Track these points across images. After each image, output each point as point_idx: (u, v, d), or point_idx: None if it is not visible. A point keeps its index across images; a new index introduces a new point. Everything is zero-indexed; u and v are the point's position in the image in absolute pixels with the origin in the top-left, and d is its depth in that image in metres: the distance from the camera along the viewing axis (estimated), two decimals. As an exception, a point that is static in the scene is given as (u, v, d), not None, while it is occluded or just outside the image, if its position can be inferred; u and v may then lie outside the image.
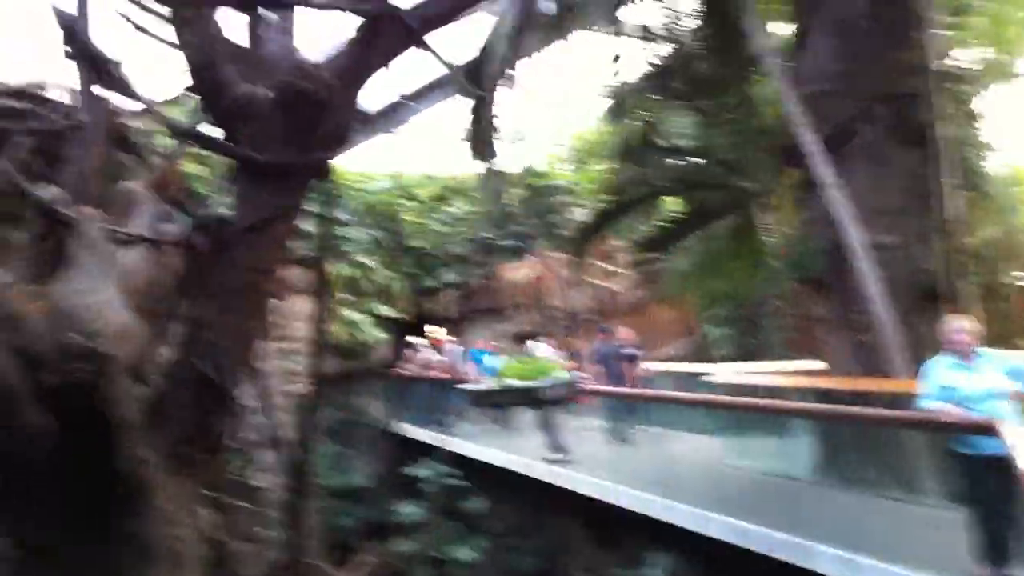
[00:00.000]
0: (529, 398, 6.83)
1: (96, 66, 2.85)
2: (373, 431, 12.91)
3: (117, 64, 2.84)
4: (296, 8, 2.51)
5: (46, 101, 3.11)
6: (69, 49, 2.81)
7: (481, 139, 8.13)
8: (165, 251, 2.40)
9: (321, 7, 2.46)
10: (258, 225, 2.39)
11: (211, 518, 2.41)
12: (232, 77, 2.42)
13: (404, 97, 14.98)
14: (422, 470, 9.81)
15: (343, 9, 2.45)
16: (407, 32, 2.48)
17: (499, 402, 6.72)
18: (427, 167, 19.96)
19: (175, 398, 2.34)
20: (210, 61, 2.37)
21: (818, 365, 7.61)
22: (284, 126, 2.38)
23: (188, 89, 2.57)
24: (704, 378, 8.40)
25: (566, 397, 7.12)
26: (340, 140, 2.49)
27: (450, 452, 10.26)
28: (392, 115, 15.03)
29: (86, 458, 2.08)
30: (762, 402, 6.57)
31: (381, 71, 2.55)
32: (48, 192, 2.24)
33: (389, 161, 17.42)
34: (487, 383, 5.88)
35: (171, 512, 2.26)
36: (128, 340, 2.21)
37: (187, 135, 2.45)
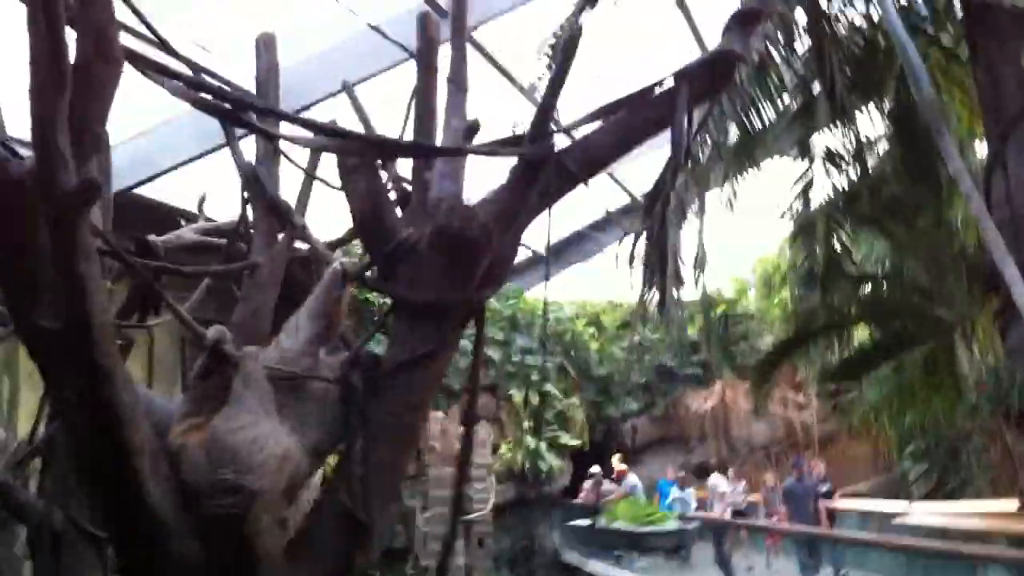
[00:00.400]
0: (637, 543, 6.29)
1: (275, 211, 3.00)
2: (549, 560, 12.78)
3: (292, 209, 2.99)
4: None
5: (236, 239, 3.28)
6: (247, 194, 2.97)
7: (662, 268, 8.10)
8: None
9: (480, 153, 2.52)
10: (411, 363, 2.41)
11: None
12: (395, 222, 2.49)
13: (588, 228, 15.30)
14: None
15: (502, 155, 2.51)
16: (567, 175, 2.50)
17: (609, 544, 6.17)
18: (612, 294, 20.08)
19: (319, 531, 2.35)
20: (374, 209, 2.44)
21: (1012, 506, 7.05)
22: (441, 267, 2.42)
23: (353, 232, 2.67)
24: (898, 519, 7.89)
25: (677, 546, 6.67)
26: (497, 279, 2.51)
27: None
28: (576, 246, 15.33)
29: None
30: (963, 548, 6.10)
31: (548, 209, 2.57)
32: (215, 331, 2.34)
33: (576, 289, 17.64)
34: (601, 522, 5.43)
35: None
36: (286, 469, 2.25)
37: (354, 277, 2.53)
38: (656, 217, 7.59)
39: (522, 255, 2.81)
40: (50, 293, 1.89)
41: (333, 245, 3.16)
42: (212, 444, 2.23)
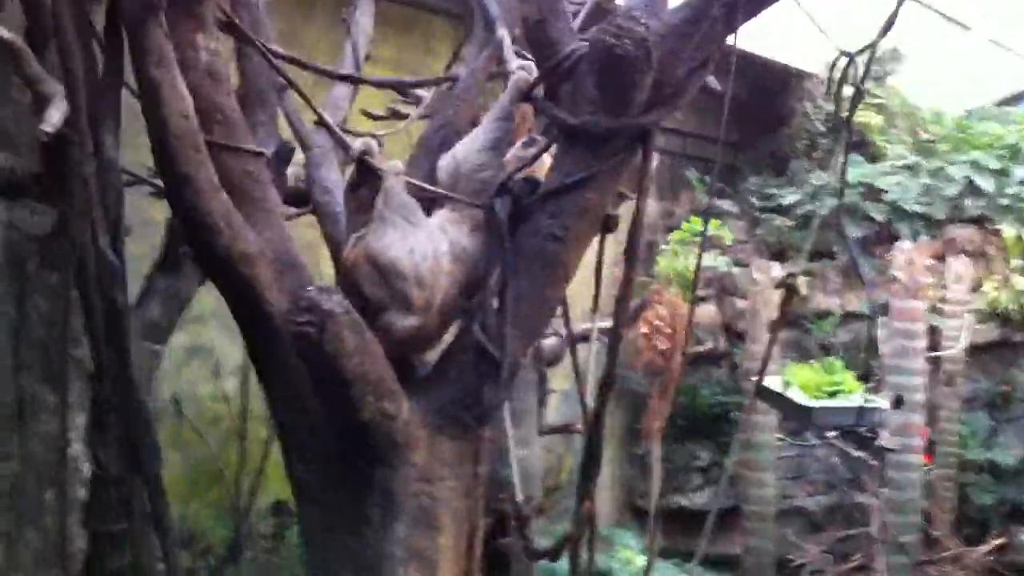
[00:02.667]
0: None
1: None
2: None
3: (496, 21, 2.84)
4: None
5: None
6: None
7: None
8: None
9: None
10: (559, 190, 2.23)
11: (480, 486, 2.35)
12: (561, 34, 2.27)
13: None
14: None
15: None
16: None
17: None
18: None
19: (454, 361, 2.30)
20: (540, 14, 2.24)
21: None
22: (598, 87, 2.18)
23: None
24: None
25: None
26: (669, 103, 2.22)
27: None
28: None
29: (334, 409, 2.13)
30: None
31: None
32: (361, 143, 2.31)
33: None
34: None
35: (429, 470, 2.23)
36: (456, 272, 2.23)
37: (524, 95, 2.37)
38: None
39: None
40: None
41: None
42: (369, 259, 2.25)
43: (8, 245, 3.77)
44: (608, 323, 5.26)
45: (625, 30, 2.10)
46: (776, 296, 8.23)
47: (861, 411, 3.97)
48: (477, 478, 2.32)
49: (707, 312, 9.52)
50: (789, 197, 9.53)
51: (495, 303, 2.24)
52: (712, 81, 4.57)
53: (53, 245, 3.62)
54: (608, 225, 2.48)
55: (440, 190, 2.37)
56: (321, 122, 2.64)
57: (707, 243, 8.11)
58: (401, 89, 3.22)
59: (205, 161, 1.99)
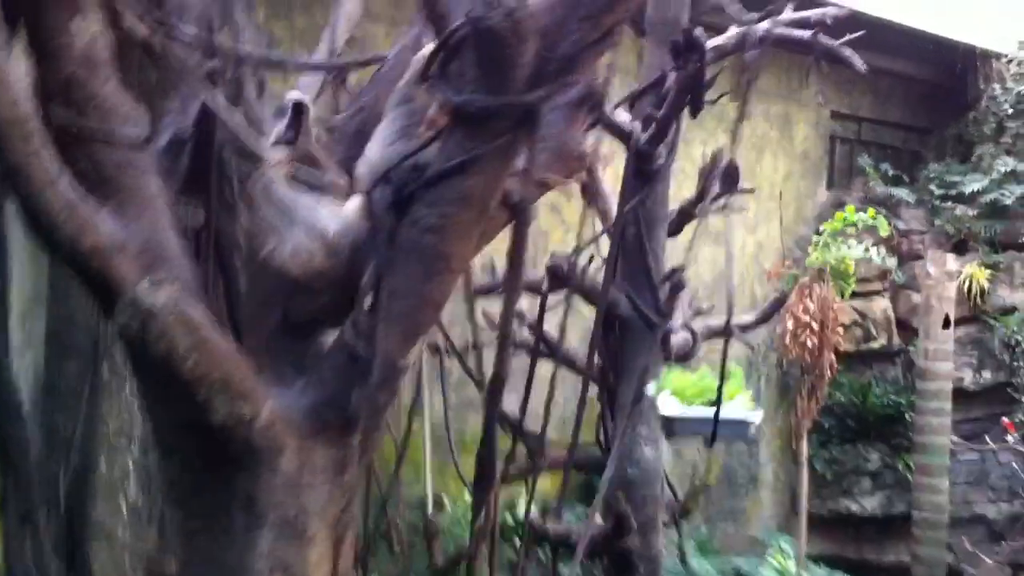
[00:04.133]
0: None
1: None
2: None
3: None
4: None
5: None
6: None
7: None
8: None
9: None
10: (438, 177, 2.05)
11: (348, 493, 2.19)
12: (451, 8, 2.08)
13: None
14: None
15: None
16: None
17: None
18: None
19: (328, 361, 2.16)
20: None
21: None
22: (477, 65, 1.99)
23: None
24: None
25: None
26: (551, 81, 2.01)
27: None
28: None
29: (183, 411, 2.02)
30: None
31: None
32: (294, 94, 2.20)
33: None
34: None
35: (297, 478, 2.10)
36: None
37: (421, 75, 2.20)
38: None
39: None
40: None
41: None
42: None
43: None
44: (747, 318, 4.97)
45: (494, 2, 1.90)
46: (952, 290, 7.88)
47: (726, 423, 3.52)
48: (345, 487, 2.16)
49: (879, 306, 9.10)
50: (973, 184, 9.02)
51: (368, 301, 2.09)
52: (856, 59, 4.35)
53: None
54: (516, 212, 2.29)
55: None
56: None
57: (866, 234, 7.78)
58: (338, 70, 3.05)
59: (38, 151, 1.89)
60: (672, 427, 3.51)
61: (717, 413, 3.33)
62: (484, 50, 1.95)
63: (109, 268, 2.01)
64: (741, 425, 3.45)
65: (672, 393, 3.38)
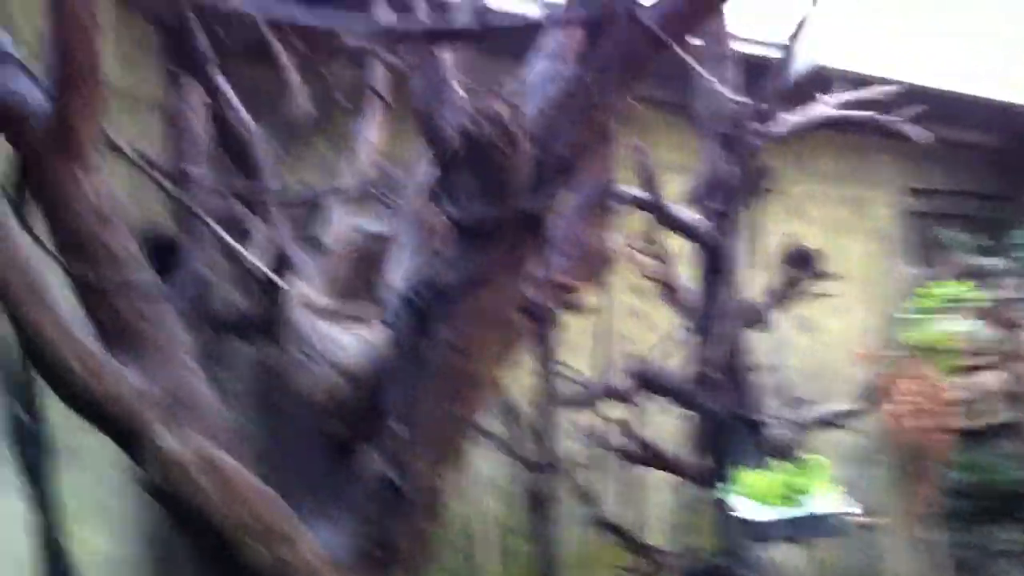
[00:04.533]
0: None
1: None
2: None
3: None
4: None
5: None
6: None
7: None
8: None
9: (512, 26, 1.99)
10: (451, 296, 2.01)
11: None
12: (446, 123, 2.09)
13: None
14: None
15: (544, 24, 1.95)
16: (645, 35, 1.87)
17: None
18: None
19: (359, 487, 2.10)
20: (428, 108, 2.08)
21: None
22: (474, 175, 1.97)
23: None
24: None
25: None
26: (557, 185, 1.98)
27: None
28: None
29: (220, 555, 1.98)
30: None
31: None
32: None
33: None
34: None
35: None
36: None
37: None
38: None
39: None
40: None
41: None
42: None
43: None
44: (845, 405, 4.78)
45: (483, 113, 1.89)
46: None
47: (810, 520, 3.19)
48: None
49: (989, 380, 8.74)
50: (1061, 247, 8.67)
51: (397, 427, 2.04)
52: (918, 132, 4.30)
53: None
54: (539, 317, 2.24)
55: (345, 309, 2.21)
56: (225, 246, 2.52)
57: (962, 307, 7.54)
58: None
59: (49, 309, 1.92)
60: (749, 530, 3.27)
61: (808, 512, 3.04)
62: (478, 162, 1.94)
63: (130, 417, 2.01)
64: (826, 520, 3.13)
65: (748, 494, 3.14)
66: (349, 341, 2.17)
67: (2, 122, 2.22)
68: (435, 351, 2.04)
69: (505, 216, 1.96)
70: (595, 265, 2.39)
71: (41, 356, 1.92)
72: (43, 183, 2.14)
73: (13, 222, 1.92)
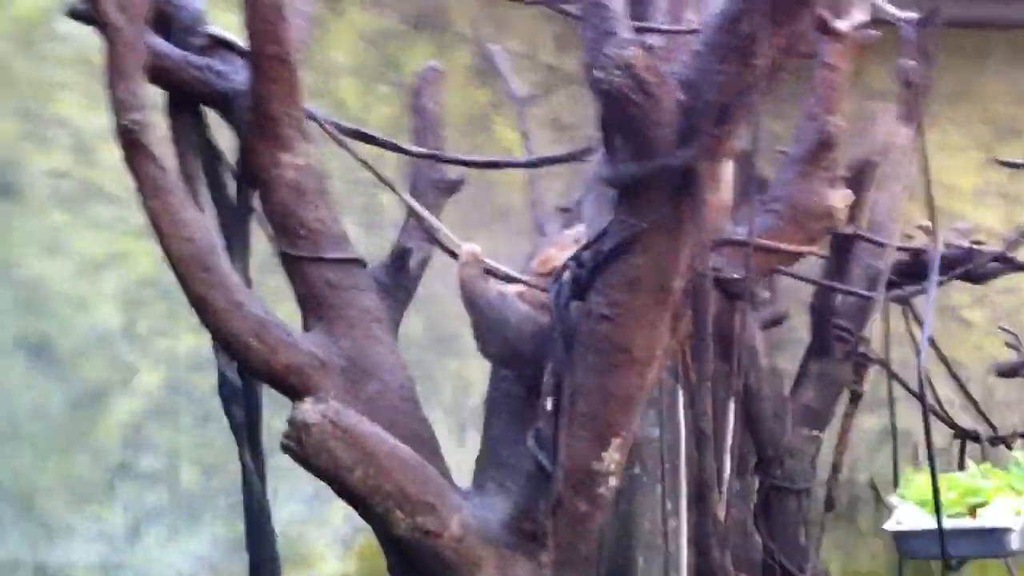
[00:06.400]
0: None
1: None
2: None
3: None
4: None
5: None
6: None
7: None
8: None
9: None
10: (603, 262, 1.84)
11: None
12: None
13: None
14: None
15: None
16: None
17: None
18: None
19: (516, 467, 2.01)
20: (595, 60, 1.95)
21: None
22: (619, 132, 1.79)
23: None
24: None
25: None
26: (702, 135, 1.74)
27: None
28: None
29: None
30: None
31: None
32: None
33: None
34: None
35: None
36: None
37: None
38: None
39: None
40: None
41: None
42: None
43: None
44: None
45: (612, 59, 1.71)
46: None
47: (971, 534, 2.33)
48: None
49: None
50: None
51: (548, 404, 1.93)
52: None
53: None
54: (741, 297, 2.00)
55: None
56: (412, 212, 2.50)
57: None
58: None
59: (222, 281, 2.01)
60: (901, 546, 2.60)
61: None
62: (614, 113, 1.76)
63: (308, 387, 2.08)
64: (993, 536, 2.35)
65: (917, 502, 2.46)
66: (520, 310, 2.09)
67: (216, 103, 2.40)
68: (587, 323, 1.90)
69: (650, 173, 1.76)
70: (812, 225, 2.10)
71: (217, 331, 2.04)
72: (249, 162, 2.28)
73: (184, 202, 2.02)
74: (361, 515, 1.97)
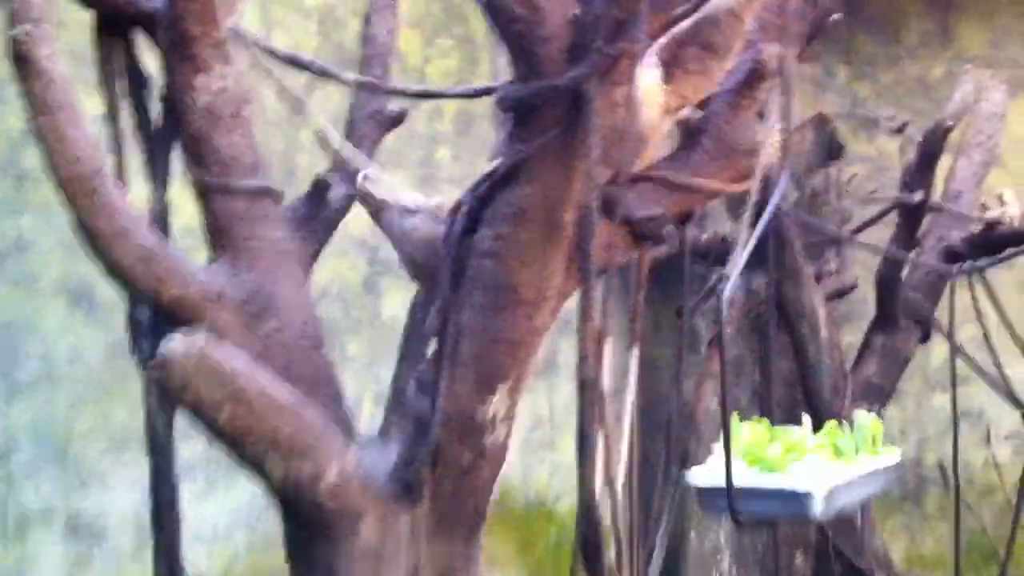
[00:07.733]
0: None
1: None
2: None
3: None
4: None
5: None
6: None
7: None
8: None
9: None
10: (489, 192, 1.69)
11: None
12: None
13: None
14: None
15: None
16: None
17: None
18: None
19: (399, 414, 1.88)
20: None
21: None
22: (509, 50, 1.63)
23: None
24: None
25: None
26: (593, 54, 1.57)
27: None
28: None
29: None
30: None
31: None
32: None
33: None
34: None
35: (380, 548, 1.87)
36: None
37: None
38: None
39: None
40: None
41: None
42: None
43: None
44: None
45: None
46: None
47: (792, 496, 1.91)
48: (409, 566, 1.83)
49: None
50: None
51: (432, 346, 1.79)
52: None
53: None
54: (643, 232, 1.83)
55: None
56: (320, 139, 2.35)
57: None
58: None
59: (107, 205, 1.91)
60: (699, 501, 2.22)
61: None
62: (500, 29, 1.61)
63: (199, 321, 1.97)
64: (796, 499, 1.90)
65: (740, 454, 2.01)
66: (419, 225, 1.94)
67: (143, 23, 2.29)
68: (474, 260, 1.75)
69: (535, 94, 1.61)
70: (738, 163, 1.92)
71: (102, 256, 1.93)
72: (167, 84, 2.17)
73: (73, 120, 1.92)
74: (236, 461, 1.87)
